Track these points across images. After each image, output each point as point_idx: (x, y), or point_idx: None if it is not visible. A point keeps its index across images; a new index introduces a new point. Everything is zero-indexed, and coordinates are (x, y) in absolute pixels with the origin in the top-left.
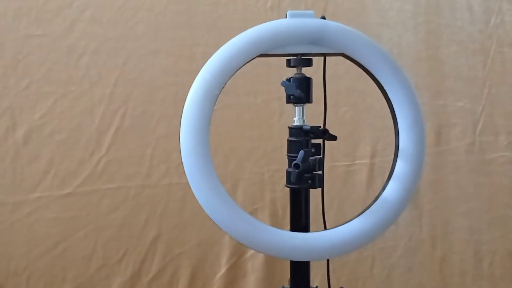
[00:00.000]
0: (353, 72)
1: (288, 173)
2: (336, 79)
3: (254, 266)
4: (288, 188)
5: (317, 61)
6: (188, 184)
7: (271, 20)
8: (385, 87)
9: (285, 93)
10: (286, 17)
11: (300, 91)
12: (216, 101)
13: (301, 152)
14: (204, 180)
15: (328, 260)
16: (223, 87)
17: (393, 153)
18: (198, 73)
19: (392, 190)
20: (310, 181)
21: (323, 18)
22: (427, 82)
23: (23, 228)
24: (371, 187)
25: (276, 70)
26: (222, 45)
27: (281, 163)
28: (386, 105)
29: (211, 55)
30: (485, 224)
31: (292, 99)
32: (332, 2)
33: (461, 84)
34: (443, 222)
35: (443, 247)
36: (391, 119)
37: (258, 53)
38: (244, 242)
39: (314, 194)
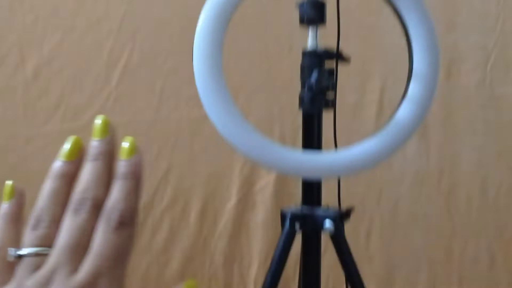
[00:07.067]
0: (366, 7)
1: (302, 96)
2: (347, 14)
3: (264, 197)
4: (301, 113)
5: None
6: (199, 118)
7: None
8: (400, 8)
9: (298, 19)
10: None
11: (314, 11)
12: (229, 20)
13: (315, 72)
14: (217, 98)
15: (339, 181)
16: (237, 7)
17: (405, 80)
18: None
19: (405, 110)
20: (323, 103)
21: None
22: (438, 15)
23: (38, 160)
24: (380, 122)
25: (286, 4)
26: None
27: (291, 98)
28: (397, 41)
29: None
30: (493, 157)
31: (306, 20)
32: None
33: (473, 18)
34: (451, 155)
35: (449, 180)
36: (402, 55)
37: None
38: (258, 159)
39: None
